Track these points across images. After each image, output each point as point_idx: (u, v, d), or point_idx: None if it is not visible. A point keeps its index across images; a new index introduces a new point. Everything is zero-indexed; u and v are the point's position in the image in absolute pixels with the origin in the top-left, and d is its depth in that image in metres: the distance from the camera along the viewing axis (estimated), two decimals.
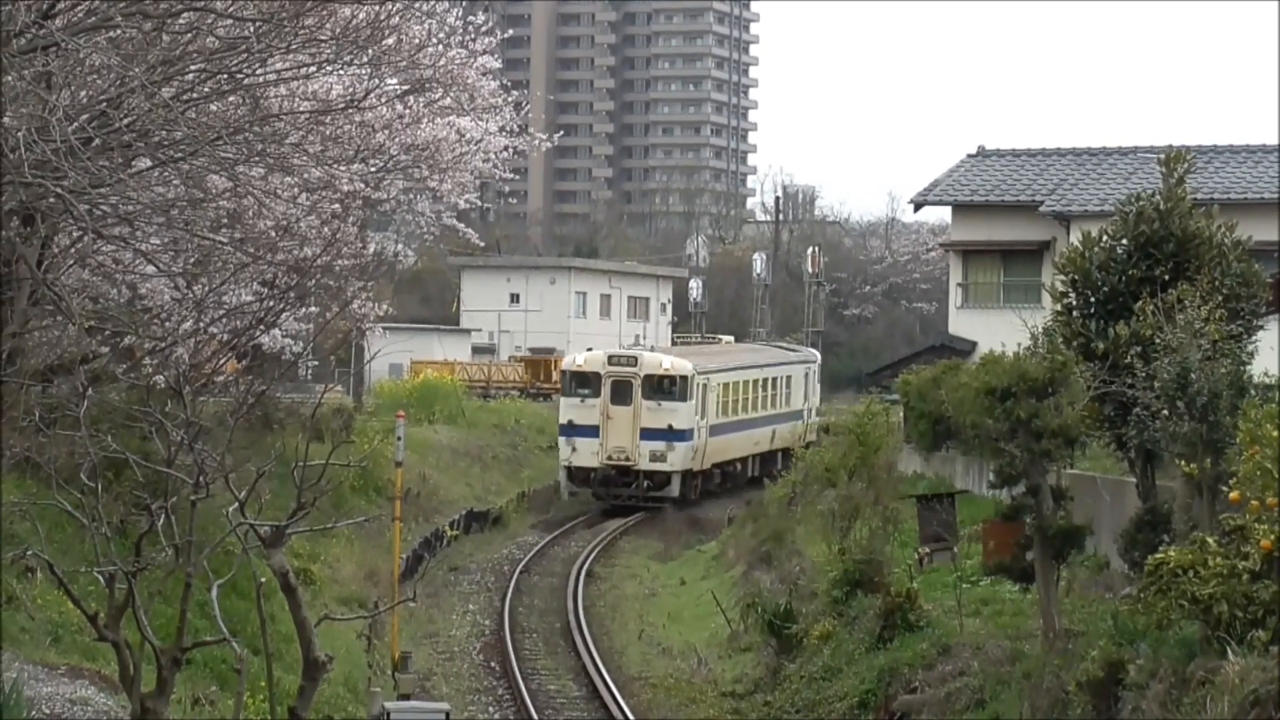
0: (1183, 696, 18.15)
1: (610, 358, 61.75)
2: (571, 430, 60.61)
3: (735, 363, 70.60)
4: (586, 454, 60.32)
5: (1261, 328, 26.60)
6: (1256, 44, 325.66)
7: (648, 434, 60.09)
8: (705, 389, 62.73)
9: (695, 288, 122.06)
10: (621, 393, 60.43)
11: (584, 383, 61.11)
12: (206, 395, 20.01)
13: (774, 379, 72.96)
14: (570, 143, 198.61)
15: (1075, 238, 28.86)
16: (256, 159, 20.85)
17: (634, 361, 61.22)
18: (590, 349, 66.00)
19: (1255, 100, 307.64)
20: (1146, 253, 26.30)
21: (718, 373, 65.54)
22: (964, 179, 58.22)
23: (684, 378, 60.94)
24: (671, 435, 60.27)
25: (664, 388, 60.60)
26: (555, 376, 79.00)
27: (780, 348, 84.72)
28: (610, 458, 60.31)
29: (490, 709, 33.01)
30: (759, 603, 36.08)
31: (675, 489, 60.87)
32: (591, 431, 60.22)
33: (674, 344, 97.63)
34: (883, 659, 28.82)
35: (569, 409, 61.11)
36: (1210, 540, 19.15)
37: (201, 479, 15.41)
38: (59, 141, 15.16)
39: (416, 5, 27.37)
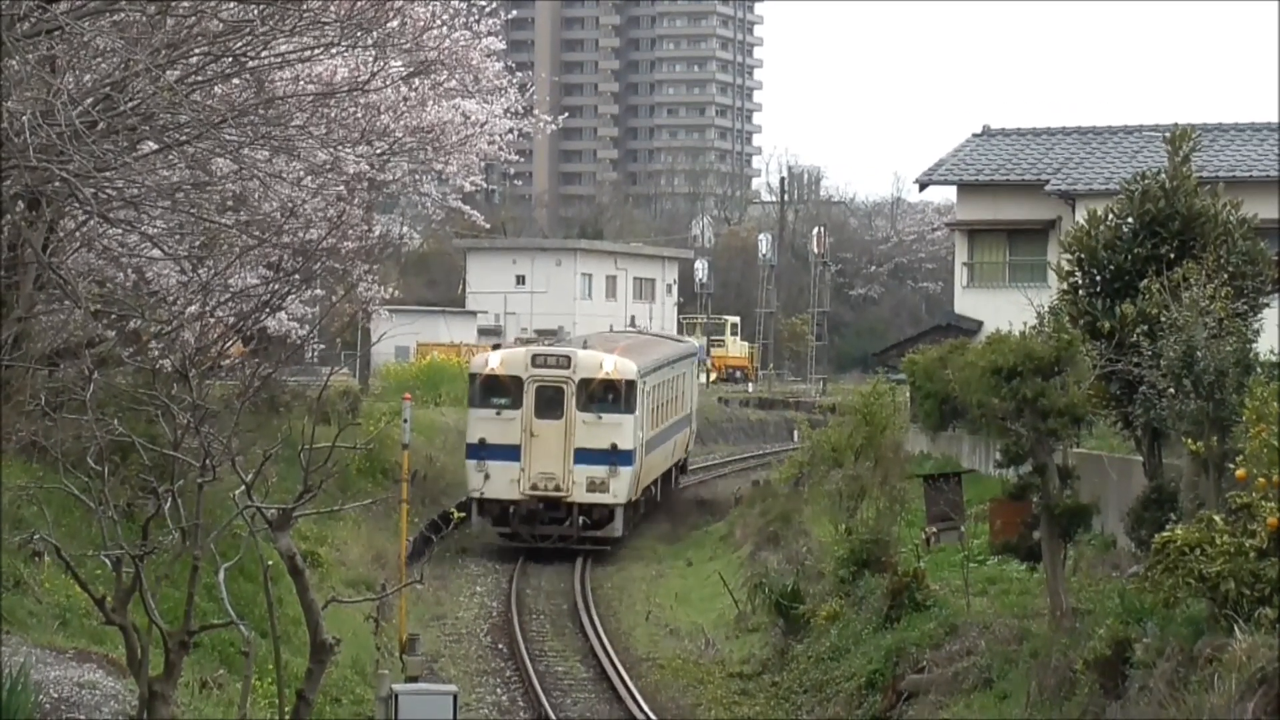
0: (1190, 674, 18.16)
1: (535, 358, 47.13)
2: (483, 452, 46.30)
3: (657, 358, 54.92)
4: (503, 483, 45.95)
5: (1267, 305, 26.59)
6: (1261, 22, 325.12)
7: (584, 456, 46.26)
8: (644, 395, 48.89)
9: (701, 269, 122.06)
10: (550, 403, 46.42)
11: (499, 390, 46.57)
12: (213, 378, 20.03)
13: (677, 377, 59.41)
14: (575, 124, 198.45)
15: (1081, 216, 28.82)
16: (261, 142, 20.86)
17: (566, 362, 46.90)
18: (498, 345, 53.07)
19: (1260, 78, 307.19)
20: (1152, 231, 26.29)
21: (652, 373, 51.70)
22: (969, 158, 58.16)
23: (629, 383, 46.97)
24: (614, 457, 46.39)
25: (604, 396, 46.71)
26: None
27: (667, 337, 73.97)
28: (535, 487, 46.24)
29: (498, 690, 33.04)
30: (766, 583, 36.09)
31: (619, 526, 47.20)
32: (510, 454, 46.11)
33: (618, 329, 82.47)
34: (890, 639, 28.84)
35: (480, 424, 46.56)
36: (1217, 518, 19.15)
37: (208, 462, 15.40)
38: (64, 125, 15.16)
39: None
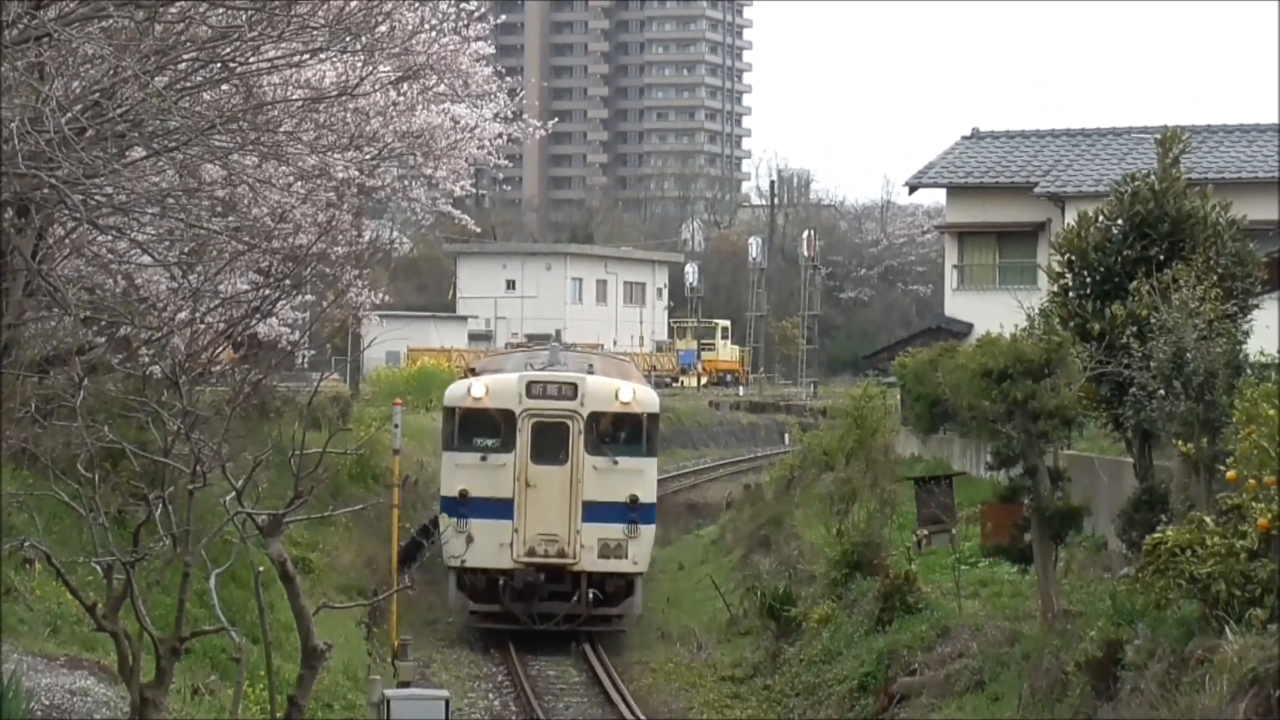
0: (1181, 675, 18.16)
1: (531, 385, 36.37)
2: (464, 508, 35.97)
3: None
4: (490, 547, 35.78)
5: (1257, 306, 26.61)
6: (1250, 23, 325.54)
7: (596, 512, 36.15)
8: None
9: (691, 272, 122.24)
10: (551, 444, 36.19)
11: (485, 428, 36.50)
12: (203, 384, 20.00)
13: None
14: (565, 129, 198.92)
15: (1070, 218, 28.88)
16: (250, 147, 20.88)
17: (571, 391, 36.36)
18: (475, 372, 39.98)
19: (1249, 80, 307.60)
20: (1142, 233, 26.30)
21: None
22: (959, 161, 58.20)
23: (651, 417, 37.03)
24: (634, 513, 36.30)
25: (620, 435, 36.70)
26: None
27: (601, 352, 63.84)
28: (533, 553, 36.01)
29: (490, 696, 33.03)
30: (758, 586, 36.10)
31: (639, 601, 37.16)
32: (499, 510, 35.97)
33: (509, 347, 71.24)
34: (882, 641, 28.84)
35: (459, 473, 36.28)
36: (1208, 519, 19.16)
37: (199, 468, 15.40)
38: (53, 132, 15.16)
39: None
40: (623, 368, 42.82)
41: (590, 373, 37.27)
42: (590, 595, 36.22)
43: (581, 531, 36.02)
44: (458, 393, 37.04)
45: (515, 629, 36.09)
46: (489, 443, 36.35)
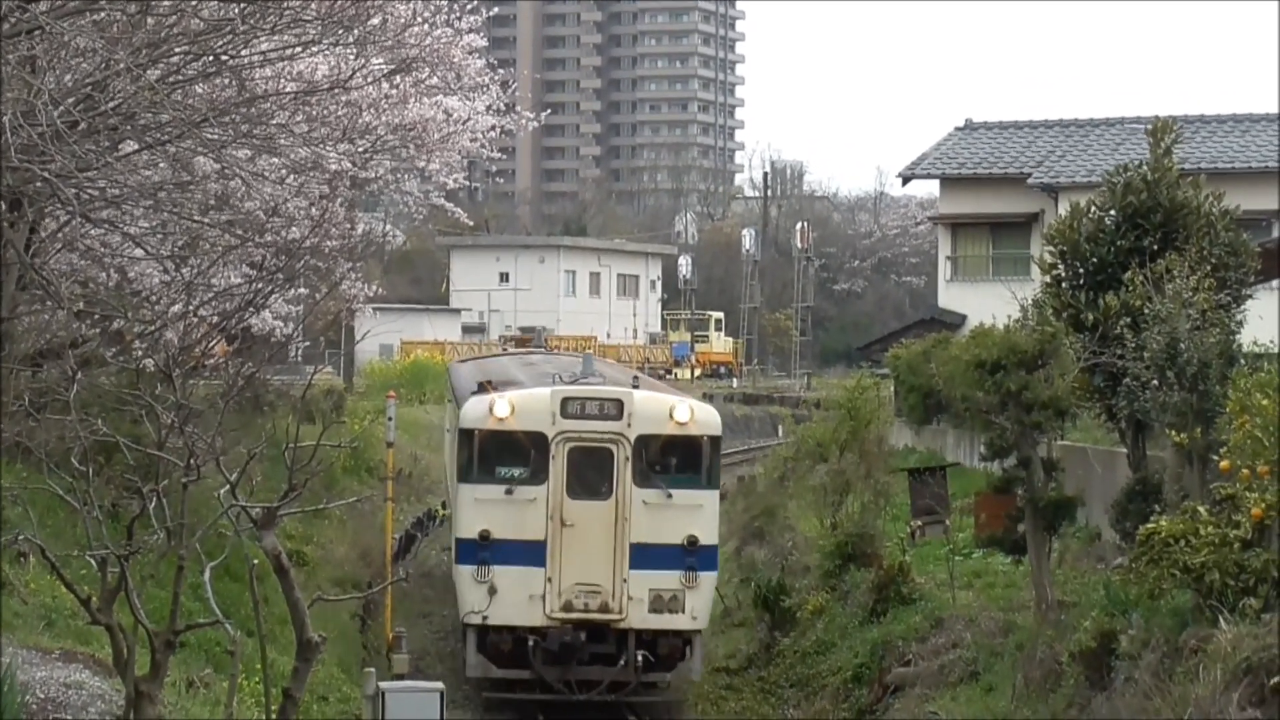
0: (1175, 665, 18.19)
1: (567, 403, 29.35)
2: (486, 552, 29.21)
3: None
4: (518, 600, 29.06)
5: (1250, 297, 26.63)
6: (1244, 14, 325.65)
7: (646, 556, 29.30)
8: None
9: (684, 265, 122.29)
10: (592, 474, 29.38)
11: (512, 454, 29.52)
12: (197, 378, 20.00)
13: None
14: (558, 121, 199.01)
15: (1063, 209, 28.88)
16: (243, 140, 20.84)
17: (617, 409, 29.41)
18: (494, 386, 30.83)
19: (1242, 70, 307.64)
20: (1135, 223, 26.32)
21: None
22: (952, 152, 58.24)
23: (713, 441, 29.94)
24: (691, 557, 29.29)
25: (675, 462, 29.73)
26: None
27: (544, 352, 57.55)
28: (570, 607, 29.10)
29: (484, 687, 32.99)
30: (752, 578, 36.12)
31: (698, 665, 30.00)
32: (529, 554, 29.12)
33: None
34: (876, 632, 28.88)
35: (479, 509, 29.36)
36: (1201, 509, 19.18)
37: (193, 462, 15.39)
38: (45, 126, 15.14)
39: None
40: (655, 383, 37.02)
41: (636, 387, 30.38)
42: (639, 658, 29.12)
43: (629, 580, 29.10)
44: (477, 412, 29.50)
45: (548, 699, 29.31)
46: (516, 473, 29.47)
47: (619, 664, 29.11)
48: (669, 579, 29.18)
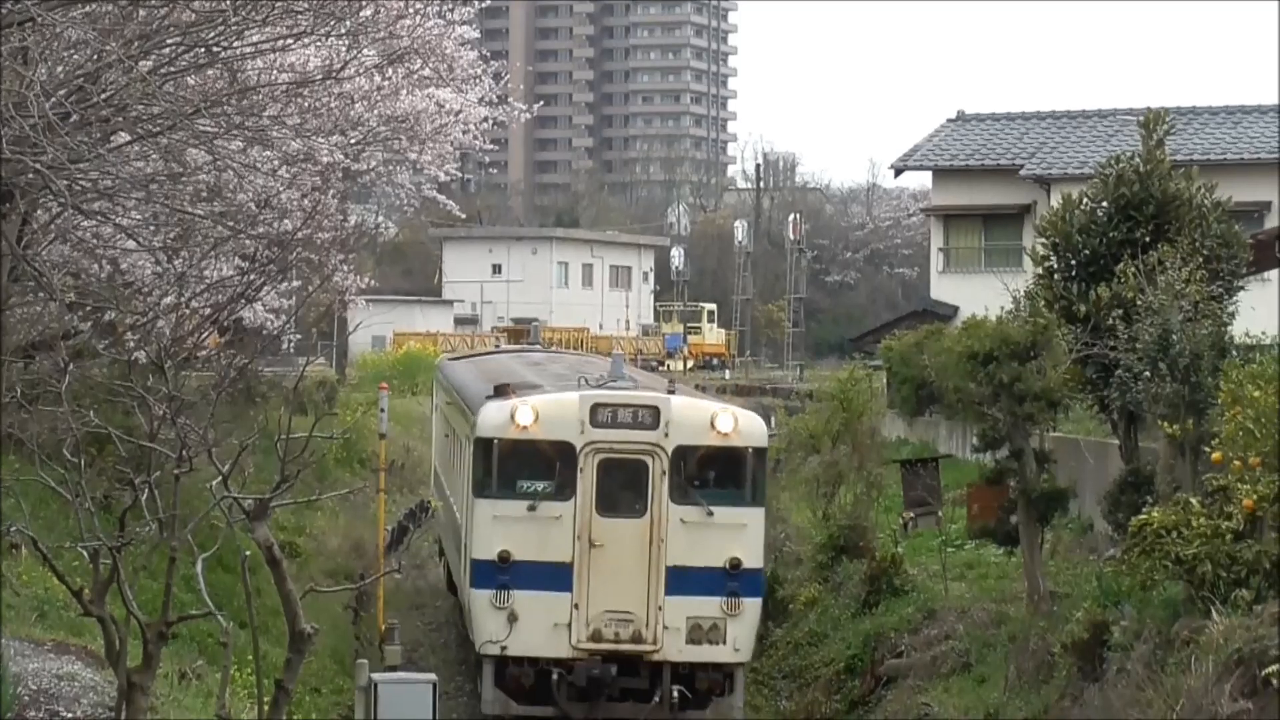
0: (1167, 656, 18.22)
1: (597, 409, 26.27)
2: (505, 575, 26.19)
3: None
4: (541, 629, 26.06)
5: (1242, 288, 26.67)
6: (1232, 5, 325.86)
7: (684, 581, 26.13)
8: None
9: (677, 256, 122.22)
10: (624, 489, 26.39)
11: (534, 468, 26.49)
12: (189, 370, 19.99)
13: None
14: (550, 112, 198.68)
15: (1056, 201, 28.91)
16: (235, 132, 20.82)
17: (652, 418, 26.27)
18: (512, 390, 27.28)
19: (1235, 61, 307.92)
20: (1127, 215, 26.34)
21: None
22: (944, 143, 58.27)
23: (758, 453, 26.60)
24: (734, 581, 26.12)
25: (717, 475, 26.52)
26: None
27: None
28: (599, 637, 26.07)
29: (478, 679, 33.00)
30: None
31: (739, 703, 26.46)
32: (554, 578, 26.14)
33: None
34: (868, 624, 28.90)
35: (497, 527, 26.33)
36: (1193, 501, 19.21)
37: (185, 453, 15.37)
38: (37, 117, 15.12)
39: None
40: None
41: (672, 392, 27.30)
42: (675, 694, 26.05)
43: (664, 608, 26.07)
44: (497, 419, 26.48)
45: None
46: (539, 487, 26.44)
47: (652, 700, 26.19)
48: (709, 606, 26.12)
